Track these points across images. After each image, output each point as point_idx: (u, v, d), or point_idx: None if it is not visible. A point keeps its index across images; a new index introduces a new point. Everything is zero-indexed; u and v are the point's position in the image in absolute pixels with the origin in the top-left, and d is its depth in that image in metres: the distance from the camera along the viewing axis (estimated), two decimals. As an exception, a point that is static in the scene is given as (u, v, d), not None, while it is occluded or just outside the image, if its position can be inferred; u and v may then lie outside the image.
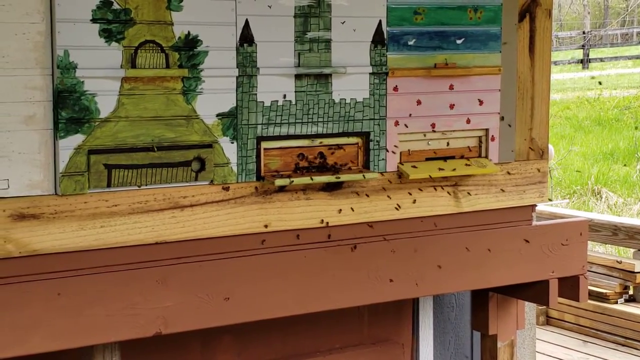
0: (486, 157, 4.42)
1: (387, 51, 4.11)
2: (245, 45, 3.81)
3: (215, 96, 3.75)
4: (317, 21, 3.95)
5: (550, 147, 4.85)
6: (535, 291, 4.70)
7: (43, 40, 3.44)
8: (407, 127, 4.18)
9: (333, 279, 4.05)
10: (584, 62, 33.20)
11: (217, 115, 3.77)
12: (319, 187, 4.01)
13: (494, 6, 4.36)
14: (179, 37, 3.67)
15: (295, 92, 3.94)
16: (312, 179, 3.93)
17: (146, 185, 3.65)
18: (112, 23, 3.54)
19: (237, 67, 3.79)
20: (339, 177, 3.99)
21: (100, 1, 3.51)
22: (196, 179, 3.75)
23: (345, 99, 4.04)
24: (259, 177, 3.88)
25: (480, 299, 4.93)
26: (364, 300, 4.18)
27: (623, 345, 7.21)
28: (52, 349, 3.53)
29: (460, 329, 5.21)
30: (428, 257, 4.28)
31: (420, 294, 4.41)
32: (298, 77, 3.93)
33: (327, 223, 4.05)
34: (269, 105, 3.88)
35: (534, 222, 4.64)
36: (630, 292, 7.57)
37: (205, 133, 3.75)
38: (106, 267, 3.61)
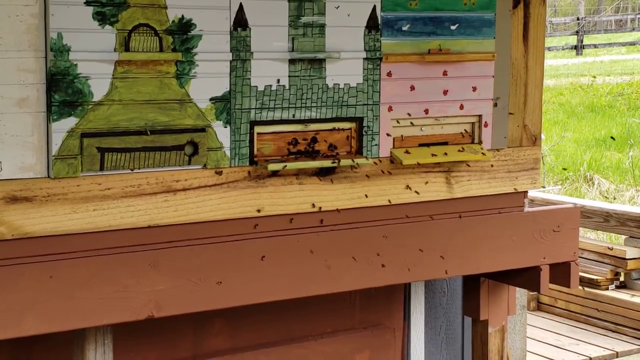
0: (479, 143, 4.42)
1: (381, 36, 4.11)
2: (239, 29, 3.80)
3: (208, 80, 3.75)
4: (312, 6, 3.94)
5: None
6: (526, 277, 4.72)
7: (36, 22, 3.43)
8: (401, 115, 4.18)
9: (325, 264, 4.05)
10: (578, 48, 33.17)
11: (211, 99, 3.77)
12: (312, 172, 4.01)
13: (488, -8, 4.36)
14: (173, 21, 3.66)
15: (289, 76, 3.93)
16: (304, 164, 3.93)
17: (139, 168, 3.65)
18: (105, 6, 3.53)
19: (230, 52, 3.79)
20: (333, 162, 3.99)
21: (94, -16, 3.50)
22: (189, 163, 3.75)
23: (338, 84, 4.04)
24: (252, 162, 3.88)
25: (472, 285, 4.94)
26: (356, 285, 4.19)
27: (614, 331, 7.23)
28: (44, 332, 3.53)
29: (452, 314, 5.23)
30: (420, 242, 4.29)
31: (411, 279, 4.42)
32: (292, 61, 3.93)
33: (320, 208, 4.05)
34: (263, 89, 3.88)
35: (526, 209, 4.65)
36: (622, 278, 7.58)
37: (198, 117, 3.74)
38: (98, 250, 3.62)
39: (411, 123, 4.25)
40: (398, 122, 4.21)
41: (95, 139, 3.56)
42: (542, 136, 4.84)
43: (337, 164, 4.00)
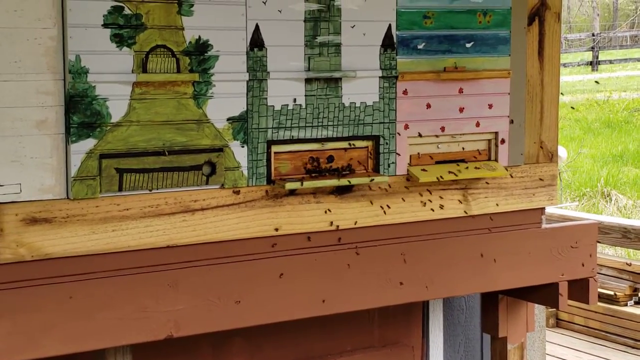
0: (496, 160, 4.43)
1: (396, 55, 4.13)
2: (255, 49, 3.82)
3: (225, 100, 3.77)
4: (327, 25, 3.96)
5: (562, 149, 4.86)
6: (545, 294, 4.71)
7: (55, 45, 3.46)
8: (418, 133, 4.20)
9: (343, 282, 4.06)
10: (593, 64, 33.14)
11: (228, 119, 3.79)
12: (329, 191, 4.03)
13: (503, 9, 4.37)
14: (190, 42, 3.68)
15: (306, 96, 3.95)
16: (322, 183, 3.94)
17: (157, 189, 3.67)
18: (123, 28, 3.56)
19: (247, 72, 3.81)
20: (349, 181, 4.00)
21: (112, 6, 3.53)
22: (207, 183, 3.77)
23: (355, 103, 4.05)
24: (270, 181, 3.90)
25: (490, 302, 4.93)
26: (374, 303, 4.19)
27: (632, 347, 7.21)
28: (64, 352, 3.54)
29: (470, 332, 5.22)
30: (438, 260, 4.29)
31: (430, 297, 4.41)
32: (308, 81, 3.95)
33: (338, 226, 4.06)
34: (279, 109, 3.90)
35: (544, 225, 4.65)
36: (640, 294, 7.57)
37: (216, 137, 3.76)
38: (118, 270, 3.63)
39: (428, 141, 4.25)
40: (414, 139, 4.21)
41: (114, 160, 3.58)
42: (564, 152, 4.85)
43: (354, 182, 4.01)
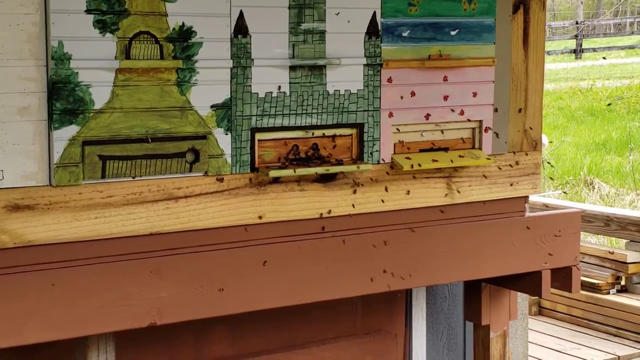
0: (480, 148, 4.43)
1: (381, 42, 4.12)
2: (239, 36, 3.81)
3: (209, 87, 3.76)
4: (312, 12, 3.95)
5: (544, 136, 4.86)
6: (528, 282, 4.72)
7: (37, 31, 3.43)
8: (402, 121, 4.19)
9: (327, 270, 4.06)
10: (577, 52, 33.21)
11: (212, 106, 3.77)
12: (313, 179, 4.02)
13: (488, -2, 4.37)
14: (173, 28, 3.66)
15: (290, 83, 3.94)
16: (306, 170, 3.93)
17: (140, 176, 3.66)
18: (106, 14, 3.54)
19: (231, 59, 3.79)
20: (333, 169, 4.00)
21: (95, -8, 3.51)
22: (190, 170, 3.75)
23: (339, 91, 4.04)
24: (253, 169, 3.89)
25: (473, 290, 4.94)
26: (357, 291, 4.19)
27: (615, 335, 7.23)
28: (47, 339, 3.53)
29: (453, 320, 5.23)
30: (421, 248, 4.29)
31: (413, 285, 4.42)
32: (292, 68, 3.93)
33: (321, 214, 4.05)
34: (264, 96, 3.89)
35: (527, 213, 4.66)
36: (622, 282, 7.58)
37: (199, 124, 3.75)
38: (100, 257, 3.62)
39: (412, 129, 4.25)
40: (398, 128, 4.21)
41: (97, 146, 3.56)
42: (546, 140, 4.84)
43: (338, 170, 4.01)
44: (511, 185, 4.55)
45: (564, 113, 19.94)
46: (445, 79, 4.30)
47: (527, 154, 4.59)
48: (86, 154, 3.54)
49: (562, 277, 4.76)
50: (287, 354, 4.57)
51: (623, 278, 7.59)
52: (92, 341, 3.83)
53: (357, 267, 4.13)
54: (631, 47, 33.80)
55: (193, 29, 3.70)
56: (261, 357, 4.51)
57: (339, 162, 4.05)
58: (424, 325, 5.02)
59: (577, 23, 36.21)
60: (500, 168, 4.50)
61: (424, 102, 4.25)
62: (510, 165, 4.53)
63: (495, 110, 4.46)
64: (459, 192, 4.39)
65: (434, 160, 4.26)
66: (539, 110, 4.63)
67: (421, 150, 4.29)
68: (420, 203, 4.30)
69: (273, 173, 3.87)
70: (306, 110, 3.98)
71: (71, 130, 3.51)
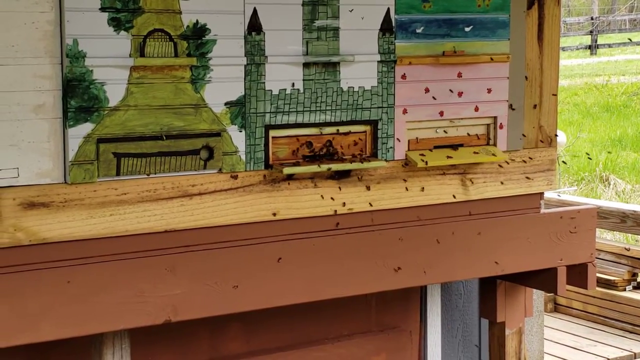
0: (494, 144, 4.42)
1: (395, 39, 4.11)
2: (253, 33, 3.81)
3: (223, 85, 3.76)
4: (325, 9, 3.95)
5: (562, 133, 4.84)
6: (543, 279, 4.71)
7: (52, 29, 3.44)
8: (416, 117, 4.18)
9: (341, 267, 4.06)
10: (592, 48, 33.08)
11: (226, 103, 3.78)
12: (327, 176, 4.02)
13: (502, -6, 4.36)
14: (188, 26, 3.67)
15: (304, 80, 3.94)
16: (320, 167, 3.93)
17: (155, 173, 3.66)
18: (120, 12, 3.54)
19: (245, 56, 3.79)
20: (347, 166, 3.99)
21: (109, -10, 3.52)
22: (205, 168, 3.76)
23: (353, 87, 4.04)
24: (267, 166, 3.89)
25: (488, 287, 4.93)
26: (372, 288, 4.19)
27: (631, 332, 7.21)
28: (62, 337, 3.54)
29: (468, 317, 5.22)
30: (436, 245, 4.28)
31: (428, 282, 4.41)
32: (306, 65, 3.93)
33: (335, 211, 4.05)
34: (277, 93, 3.89)
35: (542, 210, 4.64)
36: (639, 279, 7.56)
37: (213, 122, 3.75)
38: (115, 255, 3.63)
39: (426, 125, 4.25)
40: (413, 124, 4.20)
41: (112, 144, 3.57)
42: (564, 137, 4.83)
43: (352, 167, 4.00)
44: (526, 181, 4.54)
45: (579, 109, 19.87)
46: (459, 75, 4.29)
47: (542, 151, 4.57)
48: (101, 151, 3.55)
49: (578, 274, 4.74)
50: (302, 350, 4.58)
51: (639, 274, 7.56)
52: (108, 338, 3.84)
53: (371, 264, 4.12)
54: (647, 43, 33.62)
55: (207, 27, 3.70)
56: (276, 353, 4.51)
57: (353, 159, 4.05)
58: (439, 322, 5.01)
59: (592, 19, 36.07)
60: (515, 164, 4.49)
61: (439, 98, 4.25)
62: (525, 162, 4.52)
63: (510, 106, 4.44)
64: (473, 188, 4.39)
65: (448, 157, 4.25)
66: (554, 106, 4.61)
67: (435, 147, 4.28)
68: (434, 200, 4.30)
69: (287, 170, 3.87)
70: (320, 107, 3.98)
71: (86, 127, 3.52)
